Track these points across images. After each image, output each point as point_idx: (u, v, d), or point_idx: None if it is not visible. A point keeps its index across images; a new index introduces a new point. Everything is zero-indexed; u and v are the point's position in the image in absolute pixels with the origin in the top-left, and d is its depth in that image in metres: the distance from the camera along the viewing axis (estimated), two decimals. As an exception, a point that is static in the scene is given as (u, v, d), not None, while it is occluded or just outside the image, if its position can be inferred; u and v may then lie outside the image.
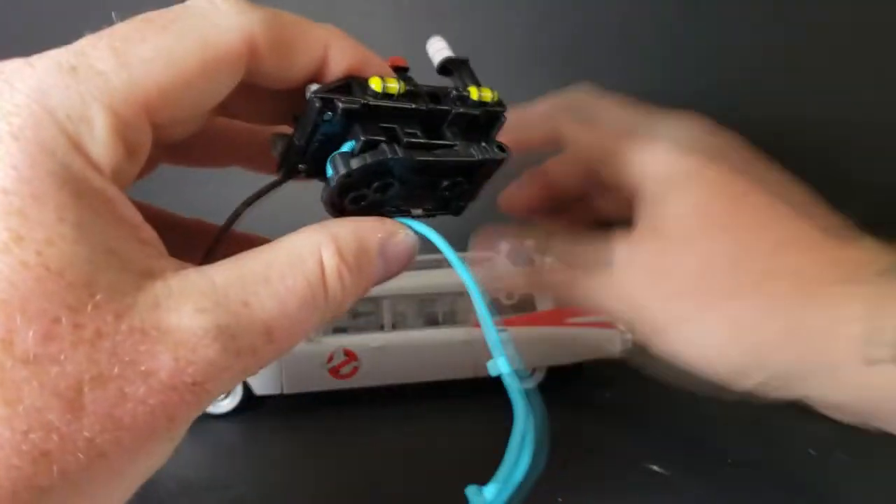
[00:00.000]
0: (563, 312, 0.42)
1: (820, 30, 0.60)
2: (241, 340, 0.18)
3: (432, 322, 0.43)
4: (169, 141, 0.21)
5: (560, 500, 0.33)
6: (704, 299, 0.28)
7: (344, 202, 0.21)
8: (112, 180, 0.17)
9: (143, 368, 0.16)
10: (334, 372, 0.41)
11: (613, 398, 0.44)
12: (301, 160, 0.22)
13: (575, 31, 0.69)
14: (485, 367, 0.43)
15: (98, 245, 0.16)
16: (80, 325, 0.16)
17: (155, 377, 0.17)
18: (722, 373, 0.28)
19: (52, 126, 0.16)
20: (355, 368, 0.41)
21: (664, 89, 0.71)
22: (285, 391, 0.41)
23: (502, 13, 0.69)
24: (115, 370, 0.16)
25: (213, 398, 0.18)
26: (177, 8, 0.19)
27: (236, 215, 0.23)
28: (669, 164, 0.30)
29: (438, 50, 0.24)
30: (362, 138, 0.20)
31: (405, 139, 0.21)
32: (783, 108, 0.60)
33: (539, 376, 0.43)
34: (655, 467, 0.34)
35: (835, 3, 0.59)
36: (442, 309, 0.43)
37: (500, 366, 0.24)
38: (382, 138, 0.21)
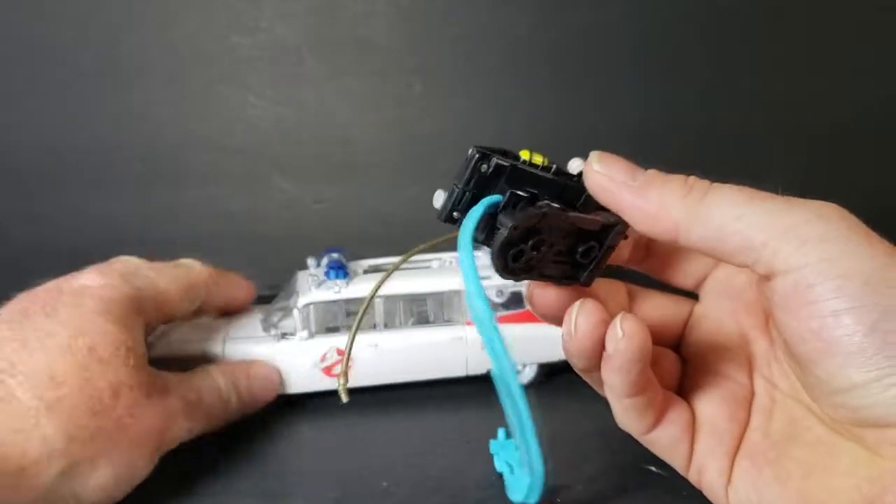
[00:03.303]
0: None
1: None
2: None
3: (424, 321, 0.42)
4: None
5: (558, 500, 0.32)
6: None
7: (507, 260, 0.25)
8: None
9: (156, 382, 0.33)
10: (327, 371, 0.40)
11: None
12: (457, 209, 0.26)
13: (575, 31, 0.69)
14: (476, 365, 0.42)
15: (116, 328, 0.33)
16: (119, 347, 0.32)
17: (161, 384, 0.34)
18: None
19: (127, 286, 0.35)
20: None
21: (664, 89, 0.71)
22: (278, 390, 0.40)
23: (502, 13, 0.68)
24: (143, 378, 0.32)
25: (191, 408, 0.35)
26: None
27: (408, 256, 0.30)
28: None
29: (580, 165, 0.27)
30: (509, 191, 0.25)
31: (543, 203, 0.25)
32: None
33: (530, 372, 0.42)
34: (654, 468, 0.33)
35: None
36: (433, 308, 0.43)
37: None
38: (526, 195, 0.25)
